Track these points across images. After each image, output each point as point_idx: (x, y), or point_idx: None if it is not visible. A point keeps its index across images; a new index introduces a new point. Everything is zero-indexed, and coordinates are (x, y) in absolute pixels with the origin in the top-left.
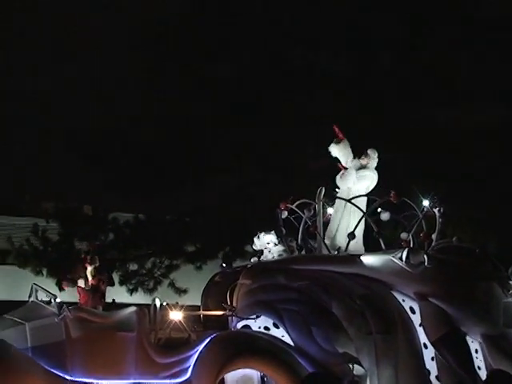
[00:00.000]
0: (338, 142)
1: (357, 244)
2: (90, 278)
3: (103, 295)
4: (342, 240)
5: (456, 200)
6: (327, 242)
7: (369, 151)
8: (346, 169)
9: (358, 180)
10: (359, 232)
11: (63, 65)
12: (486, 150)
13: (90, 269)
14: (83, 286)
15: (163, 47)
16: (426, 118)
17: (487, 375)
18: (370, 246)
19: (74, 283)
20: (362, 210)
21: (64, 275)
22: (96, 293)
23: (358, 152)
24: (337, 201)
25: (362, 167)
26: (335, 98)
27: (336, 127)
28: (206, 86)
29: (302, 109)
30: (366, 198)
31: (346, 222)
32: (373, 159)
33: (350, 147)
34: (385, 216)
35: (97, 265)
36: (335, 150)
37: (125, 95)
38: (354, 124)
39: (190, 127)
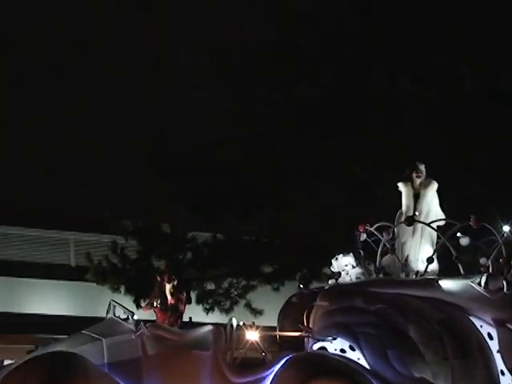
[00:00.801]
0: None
1: (432, 268)
2: (168, 297)
3: (181, 315)
4: (415, 264)
5: None
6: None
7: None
8: None
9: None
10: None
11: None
12: None
13: (168, 287)
14: (159, 305)
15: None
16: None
17: None
18: (449, 271)
19: (152, 305)
20: (441, 235)
21: (142, 295)
22: (174, 312)
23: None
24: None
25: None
26: (424, 124)
27: None
28: (293, 108)
29: (388, 134)
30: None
31: (419, 245)
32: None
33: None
34: (464, 241)
35: (175, 283)
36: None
37: (212, 113)
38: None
39: (273, 149)
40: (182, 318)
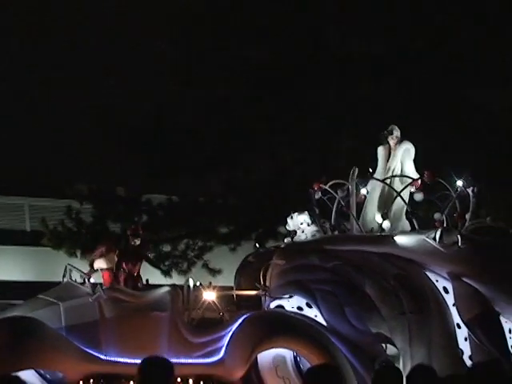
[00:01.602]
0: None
1: (403, 224)
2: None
3: (137, 277)
4: (376, 220)
5: (490, 180)
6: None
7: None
8: None
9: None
10: (401, 212)
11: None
12: None
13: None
14: (104, 266)
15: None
16: (463, 97)
17: None
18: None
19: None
20: (395, 190)
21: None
22: (130, 275)
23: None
24: (373, 181)
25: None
26: (373, 80)
27: None
28: (243, 68)
29: (340, 90)
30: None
31: (379, 202)
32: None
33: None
34: (418, 196)
35: (137, 241)
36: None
37: (162, 77)
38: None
39: (224, 108)
40: (136, 279)
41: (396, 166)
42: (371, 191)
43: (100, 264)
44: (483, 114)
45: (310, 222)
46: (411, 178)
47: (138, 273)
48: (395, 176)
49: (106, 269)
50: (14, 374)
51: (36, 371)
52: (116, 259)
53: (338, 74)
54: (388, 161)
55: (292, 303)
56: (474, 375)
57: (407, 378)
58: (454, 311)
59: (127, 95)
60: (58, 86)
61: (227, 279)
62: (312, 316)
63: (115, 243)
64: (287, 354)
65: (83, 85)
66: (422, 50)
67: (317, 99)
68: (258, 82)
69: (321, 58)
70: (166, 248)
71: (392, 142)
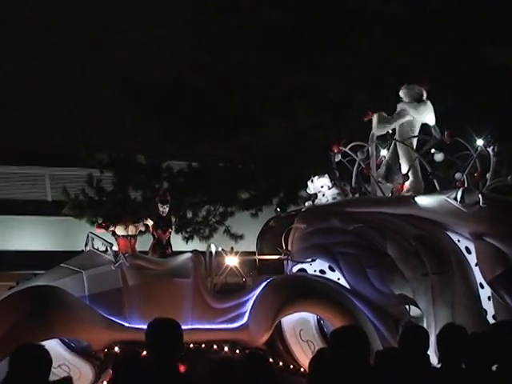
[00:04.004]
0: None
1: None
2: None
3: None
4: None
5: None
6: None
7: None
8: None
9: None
10: (418, 172)
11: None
12: None
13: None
14: (123, 233)
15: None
16: (479, 56)
17: None
18: (425, 188)
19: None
20: (414, 151)
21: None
22: (159, 241)
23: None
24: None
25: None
26: (386, 39)
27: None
28: (258, 33)
29: (352, 52)
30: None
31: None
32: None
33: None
34: (439, 157)
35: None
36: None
37: (180, 42)
38: (404, 67)
39: (242, 74)
40: (167, 247)
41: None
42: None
43: (117, 231)
44: (503, 72)
45: (330, 185)
46: (430, 138)
47: (169, 240)
48: (414, 136)
49: (123, 236)
50: (38, 343)
51: (60, 340)
52: (150, 225)
53: (354, 35)
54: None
55: (314, 267)
56: (499, 332)
57: (438, 336)
58: (476, 271)
59: (145, 62)
60: (75, 52)
61: (249, 244)
62: (335, 279)
63: (135, 210)
64: (311, 317)
65: (99, 51)
66: (440, 9)
67: (335, 61)
68: (273, 46)
69: (339, 19)
70: (188, 214)
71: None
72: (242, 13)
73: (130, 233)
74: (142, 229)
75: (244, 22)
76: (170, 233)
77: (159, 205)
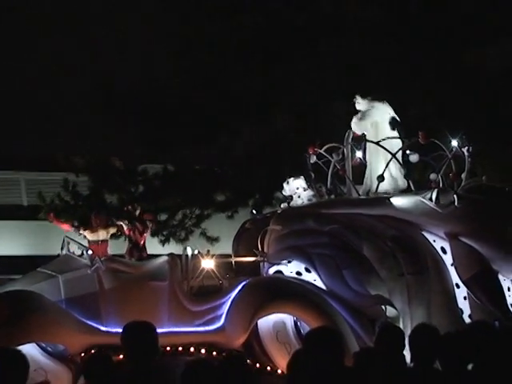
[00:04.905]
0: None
1: (399, 184)
2: (125, 228)
3: (143, 247)
4: (374, 183)
5: (485, 138)
6: (365, 187)
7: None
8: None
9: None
10: (396, 172)
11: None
12: None
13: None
14: (93, 238)
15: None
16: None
17: None
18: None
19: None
20: (389, 152)
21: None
22: (133, 244)
23: None
24: (371, 144)
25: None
26: (361, 42)
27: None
28: (234, 35)
29: (328, 54)
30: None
31: (375, 164)
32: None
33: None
34: (414, 158)
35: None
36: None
37: (157, 46)
38: (382, 67)
39: (218, 77)
40: (140, 249)
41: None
42: (369, 154)
43: (87, 236)
44: (480, 74)
45: (305, 186)
46: (405, 139)
47: (144, 244)
48: (390, 138)
49: (93, 241)
50: (15, 347)
51: (37, 344)
52: (125, 227)
53: (332, 38)
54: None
55: (290, 268)
56: (474, 331)
57: (410, 337)
58: (452, 271)
59: (122, 65)
60: (51, 55)
61: (225, 247)
62: (311, 280)
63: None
64: (287, 319)
65: (77, 55)
66: (419, 11)
67: (310, 64)
68: (250, 50)
69: (314, 23)
70: (164, 217)
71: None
72: (218, 18)
73: (100, 238)
74: (114, 230)
75: (221, 27)
76: (145, 237)
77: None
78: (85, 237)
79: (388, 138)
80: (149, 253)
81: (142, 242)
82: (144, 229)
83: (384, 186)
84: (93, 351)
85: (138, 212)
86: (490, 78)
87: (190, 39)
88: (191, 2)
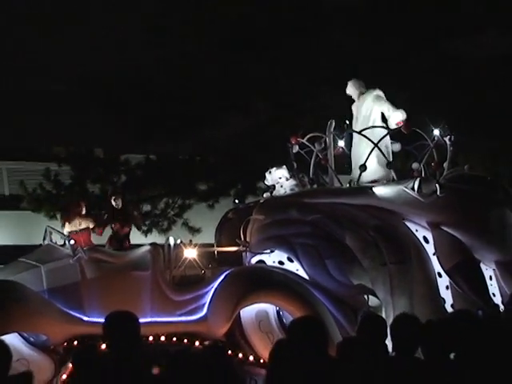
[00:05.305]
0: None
1: (385, 172)
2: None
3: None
4: (355, 172)
5: (468, 128)
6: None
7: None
8: None
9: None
10: (382, 161)
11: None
12: (500, 78)
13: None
14: (72, 229)
15: None
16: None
17: (509, 298)
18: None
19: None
20: (372, 141)
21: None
22: (116, 235)
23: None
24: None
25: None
26: (347, 31)
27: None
28: (217, 24)
29: (313, 44)
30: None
31: (359, 153)
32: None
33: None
34: (396, 147)
35: (119, 203)
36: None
37: (137, 37)
38: (367, 57)
39: (201, 67)
40: (124, 241)
41: (370, 114)
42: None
43: (66, 228)
44: (464, 63)
45: (288, 176)
46: (388, 128)
47: (128, 235)
48: (373, 127)
49: (71, 232)
50: None
51: (19, 334)
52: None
53: (314, 30)
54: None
55: (273, 258)
56: (456, 320)
57: (391, 326)
58: (434, 260)
59: (102, 57)
60: (34, 47)
61: (208, 237)
62: (293, 270)
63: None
64: (270, 308)
65: (58, 47)
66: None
67: (293, 55)
68: (233, 42)
69: (295, 14)
70: (146, 207)
71: (355, 94)
72: (201, 9)
73: (81, 227)
74: (91, 225)
75: (204, 18)
76: (130, 229)
77: (113, 198)
78: (62, 226)
79: (373, 126)
80: (132, 243)
81: (123, 234)
82: (126, 222)
83: (369, 176)
84: (76, 341)
85: (119, 203)
86: (477, 68)
87: (168, 28)
88: None
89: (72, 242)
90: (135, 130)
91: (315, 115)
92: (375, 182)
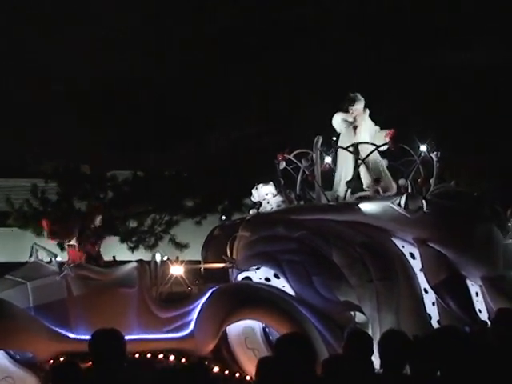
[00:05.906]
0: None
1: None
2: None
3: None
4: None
5: (454, 144)
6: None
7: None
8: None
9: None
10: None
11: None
12: (485, 90)
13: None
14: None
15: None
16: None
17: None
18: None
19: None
20: (358, 158)
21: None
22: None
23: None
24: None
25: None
26: (334, 43)
27: None
28: (207, 37)
29: (301, 57)
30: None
31: (346, 170)
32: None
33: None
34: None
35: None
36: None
37: (124, 50)
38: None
39: (186, 82)
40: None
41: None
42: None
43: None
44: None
45: (275, 192)
46: (375, 144)
47: (99, 252)
48: (360, 143)
49: (72, 245)
50: None
51: (5, 352)
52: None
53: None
54: (355, 130)
55: (259, 274)
56: (442, 337)
57: (379, 343)
58: (421, 276)
59: (88, 71)
60: (19, 60)
61: (194, 253)
62: (280, 287)
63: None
64: (256, 325)
65: (44, 60)
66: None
67: (279, 70)
68: (220, 55)
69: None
70: (133, 224)
71: (355, 112)
72: (189, 17)
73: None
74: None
75: (192, 26)
76: (99, 245)
77: (94, 217)
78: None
79: (359, 143)
80: (118, 259)
81: (95, 252)
82: (96, 240)
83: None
84: (61, 359)
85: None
86: (465, 83)
87: (156, 42)
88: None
89: (58, 258)
90: (122, 145)
91: (302, 130)
92: (361, 198)
